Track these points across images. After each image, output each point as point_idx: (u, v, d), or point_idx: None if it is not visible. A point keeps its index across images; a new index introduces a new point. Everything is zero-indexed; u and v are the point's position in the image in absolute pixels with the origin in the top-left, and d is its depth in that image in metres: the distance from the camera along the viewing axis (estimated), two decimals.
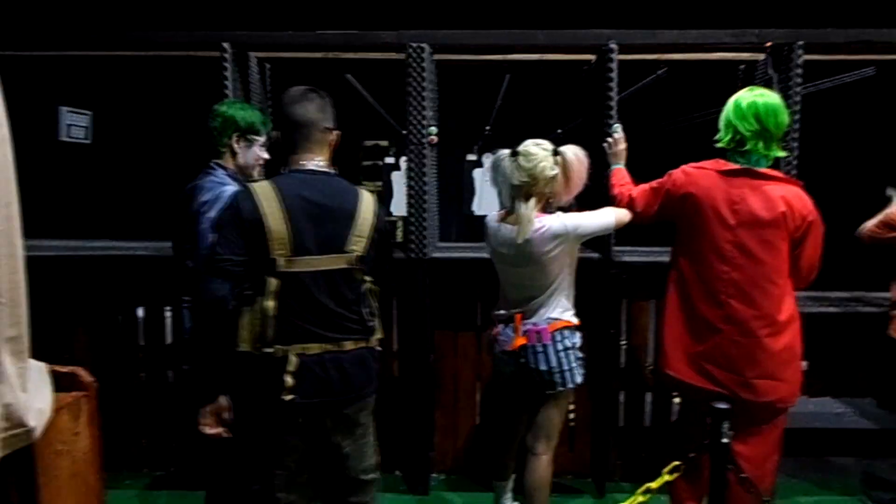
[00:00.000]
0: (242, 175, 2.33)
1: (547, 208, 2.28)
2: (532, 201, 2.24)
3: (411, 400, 3.13)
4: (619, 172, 2.71)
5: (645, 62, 3.18)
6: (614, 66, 2.82)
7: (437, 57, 3.12)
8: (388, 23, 3.05)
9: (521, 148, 2.28)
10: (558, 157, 2.24)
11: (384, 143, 7.59)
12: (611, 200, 2.55)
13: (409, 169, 2.89)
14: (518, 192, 2.26)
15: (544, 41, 2.86)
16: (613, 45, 2.82)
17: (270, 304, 1.84)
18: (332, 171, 1.98)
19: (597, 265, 2.99)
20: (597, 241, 3.04)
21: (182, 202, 2.23)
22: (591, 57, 3.06)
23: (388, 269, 2.11)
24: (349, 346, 1.93)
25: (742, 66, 3.08)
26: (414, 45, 2.84)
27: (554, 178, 2.24)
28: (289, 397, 1.85)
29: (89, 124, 3.29)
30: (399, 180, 6.00)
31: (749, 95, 2.27)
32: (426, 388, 3.15)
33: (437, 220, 3.32)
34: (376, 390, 2.04)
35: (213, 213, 2.12)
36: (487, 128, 5.92)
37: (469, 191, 6.07)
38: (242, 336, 1.86)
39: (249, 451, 2.01)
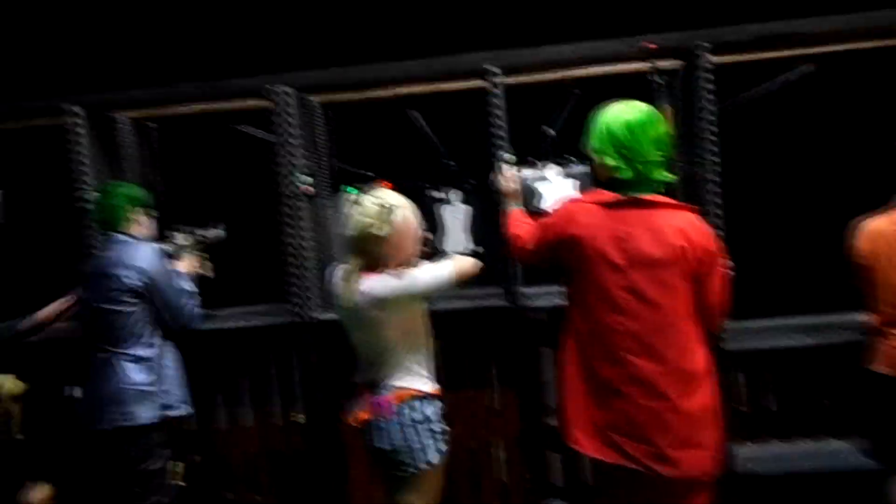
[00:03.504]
0: None
1: (382, 266, 1.94)
2: (358, 259, 1.92)
3: (320, 477, 2.79)
4: (514, 214, 2.37)
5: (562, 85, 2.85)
6: (498, 90, 2.52)
7: (319, 99, 2.87)
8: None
9: (362, 196, 1.97)
10: (389, 217, 1.92)
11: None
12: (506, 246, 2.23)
13: (285, 224, 2.62)
14: (348, 245, 1.95)
15: (418, 71, 2.58)
16: (493, 68, 2.51)
17: None
18: None
19: (505, 313, 2.64)
20: (503, 286, 2.71)
21: (96, 276, 2.27)
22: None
23: None
24: None
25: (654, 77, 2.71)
26: (277, 89, 2.58)
27: (381, 238, 1.91)
28: None
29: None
30: (449, 215, 5.67)
31: (610, 116, 1.90)
32: (335, 463, 2.82)
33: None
34: None
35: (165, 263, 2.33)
36: (451, 163, 5.64)
37: (436, 229, 5.79)
38: None
39: None
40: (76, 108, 2.64)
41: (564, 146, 3.13)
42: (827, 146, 2.74)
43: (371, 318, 1.91)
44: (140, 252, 2.26)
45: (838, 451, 2.61)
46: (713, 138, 2.41)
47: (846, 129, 2.75)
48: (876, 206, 2.28)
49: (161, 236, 2.60)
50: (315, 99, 2.83)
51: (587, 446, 1.97)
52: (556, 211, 2.04)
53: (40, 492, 2.19)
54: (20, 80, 2.75)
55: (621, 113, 1.88)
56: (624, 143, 1.85)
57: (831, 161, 2.71)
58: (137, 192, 2.42)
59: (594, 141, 1.92)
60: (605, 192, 1.94)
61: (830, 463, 2.60)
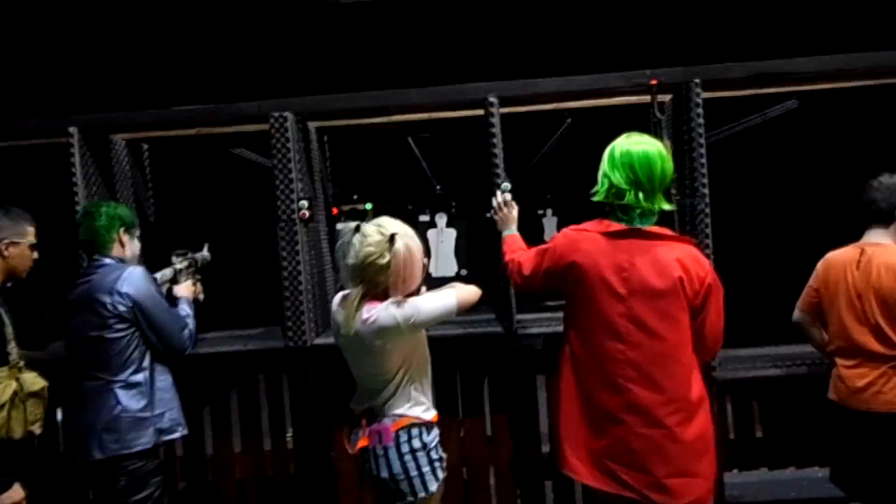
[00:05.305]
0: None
1: (385, 294, 1.95)
2: (361, 287, 1.93)
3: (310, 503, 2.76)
4: (511, 239, 2.40)
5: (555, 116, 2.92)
6: (496, 120, 2.56)
7: (316, 124, 2.90)
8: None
9: (364, 224, 1.98)
10: (392, 246, 1.89)
11: (362, 206, 7.33)
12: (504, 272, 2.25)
13: (281, 248, 2.62)
14: (350, 273, 1.96)
15: (418, 99, 2.62)
16: (493, 99, 2.56)
17: None
18: None
19: (499, 340, 2.66)
20: (498, 313, 2.74)
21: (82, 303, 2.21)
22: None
23: None
24: None
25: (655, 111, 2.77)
26: (276, 114, 2.60)
27: (384, 267, 1.90)
28: None
29: None
30: (435, 238, 5.64)
31: (624, 143, 1.97)
32: (326, 490, 2.79)
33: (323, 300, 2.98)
34: None
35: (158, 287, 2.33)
36: (438, 187, 5.68)
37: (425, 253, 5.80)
38: None
39: None
40: (72, 129, 2.63)
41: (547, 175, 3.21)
42: (815, 177, 2.83)
43: (372, 347, 1.91)
44: (125, 276, 2.19)
45: (824, 478, 2.65)
46: (703, 170, 2.48)
47: (832, 161, 2.85)
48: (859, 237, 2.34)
49: (164, 261, 2.58)
50: (313, 124, 2.86)
51: (583, 474, 1.99)
52: (557, 237, 2.08)
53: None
54: (18, 99, 2.73)
55: (637, 143, 1.94)
56: (635, 170, 1.90)
57: (818, 192, 2.81)
58: (122, 211, 2.33)
59: (607, 163, 1.96)
60: (608, 221, 1.98)
61: (816, 490, 2.65)
